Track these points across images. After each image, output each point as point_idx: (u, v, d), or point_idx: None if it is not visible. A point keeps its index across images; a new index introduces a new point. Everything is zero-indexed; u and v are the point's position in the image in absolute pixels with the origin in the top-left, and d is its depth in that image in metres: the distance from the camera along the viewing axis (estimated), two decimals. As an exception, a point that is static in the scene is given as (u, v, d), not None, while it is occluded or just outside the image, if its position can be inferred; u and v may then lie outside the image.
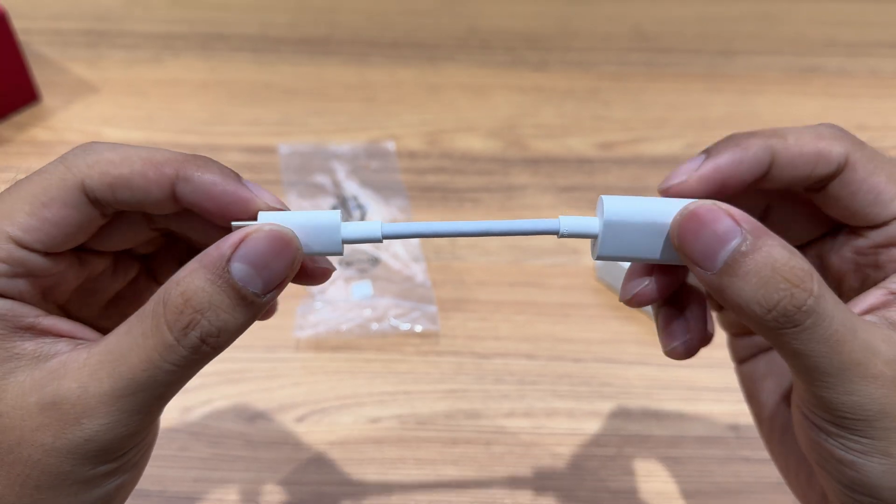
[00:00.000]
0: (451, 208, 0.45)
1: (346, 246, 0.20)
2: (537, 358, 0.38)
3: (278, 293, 0.18)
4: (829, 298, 0.18)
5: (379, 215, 0.44)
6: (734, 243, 0.17)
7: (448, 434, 0.36)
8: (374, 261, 0.42)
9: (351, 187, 0.46)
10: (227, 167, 0.20)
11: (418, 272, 0.41)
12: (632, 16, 0.59)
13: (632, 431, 0.35)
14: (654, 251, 0.19)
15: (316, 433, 0.35)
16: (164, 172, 0.19)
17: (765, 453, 0.35)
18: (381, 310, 0.39)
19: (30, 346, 0.18)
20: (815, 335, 0.18)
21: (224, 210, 0.19)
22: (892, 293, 0.20)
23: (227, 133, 0.49)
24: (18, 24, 0.51)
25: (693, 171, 0.20)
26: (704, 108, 0.52)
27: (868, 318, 0.19)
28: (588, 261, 0.43)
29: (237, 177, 0.20)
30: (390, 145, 0.49)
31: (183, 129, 0.49)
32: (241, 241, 0.17)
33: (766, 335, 0.18)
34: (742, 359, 0.26)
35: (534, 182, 0.47)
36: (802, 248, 0.23)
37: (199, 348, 0.17)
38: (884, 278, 0.20)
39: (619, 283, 0.41)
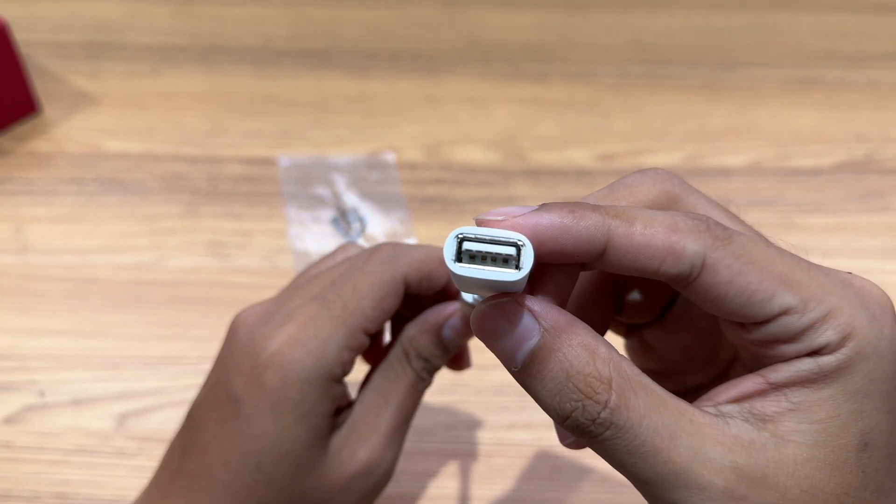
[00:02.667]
0: (451, 220, 0.45)
1: None
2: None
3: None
4: (636, 407, 0.16)
5: (379, 227, 0.44)
6: (531, 343, 0.16)
7: (448, 446, 0.36)
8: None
9: (351, 199, 0.46)
10: None
11: (418, 284, 0.41)
12: (631, 28, 0.59)
13: (633, 444, 0.35)
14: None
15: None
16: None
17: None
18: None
19: (342, 417, 0.25)
20: (618, 447, 0.16)
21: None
22: (770, 384, 0.18)
23: (227, 145, 0.49)
24: (19, 36, 0.51)
25: (513, 217, 0.17)
26: (704, 120, 0.52)
27: (728, 408, 0.18)
28: (588, 272, 0.43)
29: None
30: (390, 157, 0.49)
31: (183, 141, 0.50)
32: (453, 314, 0.25)
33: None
34: None
35: (534, 193, 0.47)
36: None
37: (430, 379, 0.26)
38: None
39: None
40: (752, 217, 0.48)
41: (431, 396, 0.37)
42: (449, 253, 0.16)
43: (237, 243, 0.44)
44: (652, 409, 0.16)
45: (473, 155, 0.49)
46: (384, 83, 0.54)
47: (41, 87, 0.52)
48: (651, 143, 0.50)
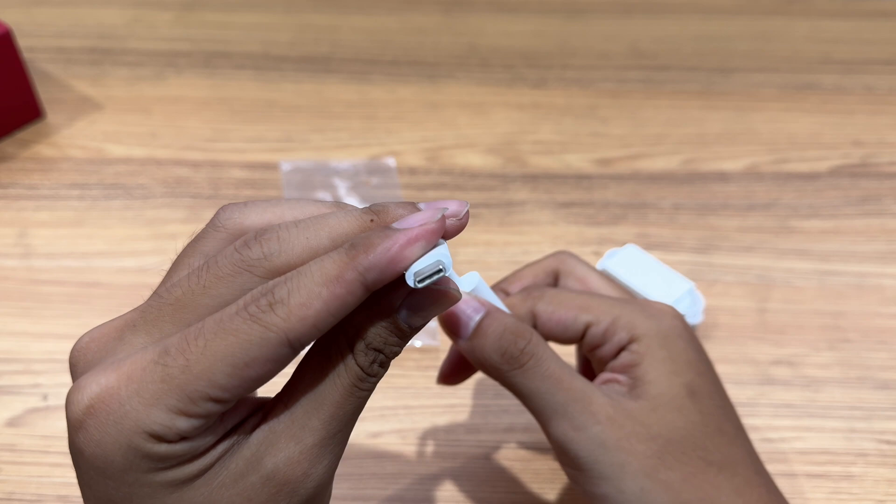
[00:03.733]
0: (451, 224, 0.46)
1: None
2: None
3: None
4: (547, 349, 0.26)
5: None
6: (477, 317, 0.26)
7: (448, 449, 0.36)
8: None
9: (352, 203, 0.46)
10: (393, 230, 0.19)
11: (418, 287, 0.42)
12: (629, 34, 0.60)
13: (632, 446, 0.35)
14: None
15: (316, 448, 0.35)
16: (351, 279, 0.18)
17: (766, 467, 0.35)
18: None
19: (255, 422, 0.19)
20: (537, 373, 0.25)
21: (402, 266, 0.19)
22: (613, 373, 0.27)
23: (229, 150, 0.50)
24: (23, 43, 0.52)
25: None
26: (701, 125, 0.52)
27: (608, 388, 0.27)
28: (587, 276, 0.43)
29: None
30: (391, 161, 0.49)
31: (185, 146, 0.50)
32: (407, 293, 0.20)
33: (504, 382, 0.26)
34: None
35: (533, 198, 0.47)
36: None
37: (380, 372, 0.20)
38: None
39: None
40: (750, 221, 0.49)
41: (431, 399, 0.37)
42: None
43: (239, 247, 0.44)
44: (555, 356, 0.26)
45: (473, 160, 0.50)
46: (385, 89, 0.54)
47: (45, 93, 0.52)
48: (649, 148, 0.51)
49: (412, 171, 0.49)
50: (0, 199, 0.46)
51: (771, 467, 0.35)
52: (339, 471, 0.34)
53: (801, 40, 0.59)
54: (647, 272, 0.39)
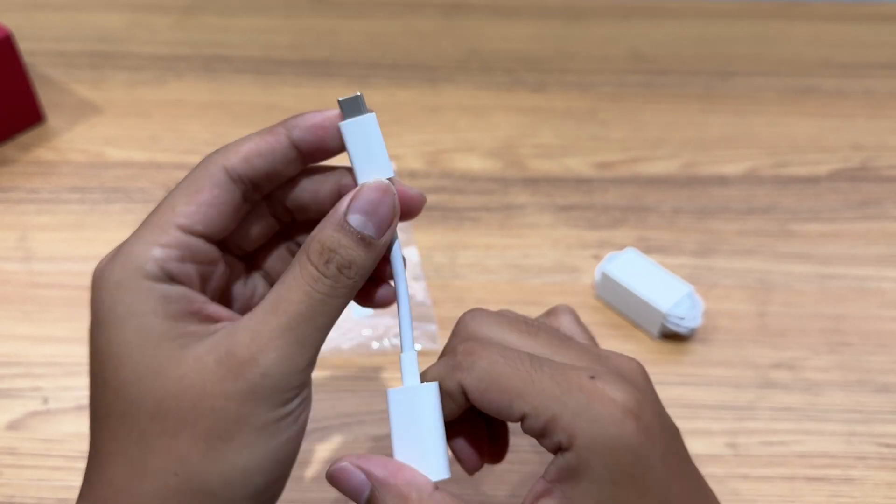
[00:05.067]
0: (451, 227, 0.46)
1: None
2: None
3: (389, 235, 0.23)
4: None
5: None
6: (365, 494, 0.22)
7: (448, 452, 0.36)
8: (375, 279, 0.42)
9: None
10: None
11: (418, 291, 0.42)
12: (629, 38, 0.60)
13: (632, 450, 0.35)
14: None
15: (317, 451, 0.35)
16: (279, 132, 0.23)
17: (764, 471, 0.35)
18: (381, 329, 0.40)
19: (197, 328, 0.22)
20: None
21: (329, 134, 0.24)
22: (549, 482, 0.22)
23: (230, 153, 0.50)
24: (23, 46, 0.52)
25: None
26: (701, 129, 0.53)
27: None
28: (587, 279, 0.43)
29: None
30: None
31: (186, 150, 0.50)
32: (353, 198, 0.22)
33: None
34: None
35: (533, 201, 0.47)
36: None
37: (338, 277, 0.22)
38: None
39: (618, 302, 0.41)
40: (750, 225, 0.49)
41: (432, 402, 0.37)
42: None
43: (239, 251, 0.44)
44: None
45: (473, 163, 0.50)
46: (385, 92, 0.55)
47: (45, 97, 0.52)
48: (648, 151, 0.51)
49: (412, 174, 0.49)
50: (1, 203, 0.47)
51: (770, 471, 0.35)
52: (338, 474, 0.34)
53: (800, 44, 0.59)
54: (647, 276, 0.39)
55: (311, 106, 0.53)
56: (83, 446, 0.36)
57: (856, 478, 0.35)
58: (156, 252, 0.22)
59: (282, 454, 0.22)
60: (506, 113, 0.53)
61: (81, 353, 0.39)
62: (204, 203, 0.22)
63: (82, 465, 0.35)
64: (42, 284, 0.42)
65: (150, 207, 0.47)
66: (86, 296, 0.41)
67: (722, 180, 0.49)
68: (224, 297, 0.25)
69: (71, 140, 0.50)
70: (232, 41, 0.58)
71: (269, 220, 0.25)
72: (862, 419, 0.37)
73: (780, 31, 0.61)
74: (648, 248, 0.45)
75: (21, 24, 0.57)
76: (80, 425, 0.37)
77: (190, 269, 0.22)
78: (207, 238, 0.23)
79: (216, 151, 0.23)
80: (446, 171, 0.49)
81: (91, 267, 0.43)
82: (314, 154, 0.24)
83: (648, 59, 0.58)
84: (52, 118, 0.52)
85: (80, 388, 0.38)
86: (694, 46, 0.59)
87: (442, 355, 0.25)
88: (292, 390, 0.22)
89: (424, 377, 0.24)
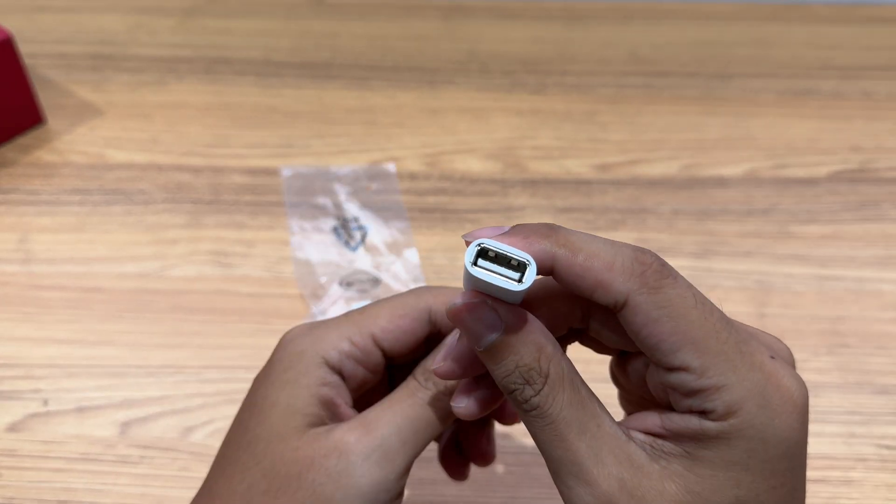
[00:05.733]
0: (451, 229, 0.46)
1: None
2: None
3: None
4: (559, 400, 0.20)
5: (380, 236, 0.45)
6: (492, 336, 0.20)
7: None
8: (375, 281, 0.42)
9: (352, 209, 0.46)
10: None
11: (418, 292, 0.42)
12: (628, 40, 0.60)
13: (631, 451, 0.35)
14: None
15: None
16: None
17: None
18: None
19: (331, 418, 0.25)
20: (538, 425, 0.21)
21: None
22: (666, 430, 0.21)
23: (230, 155, 0.50)
24: (24, 49, 0.52)
25: (490, 237, 0.20)
26: (700, 131, 0.53)
27: (637, 434, 0.21)
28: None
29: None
30: (391, 167, 0.49)
31: (186, 152, 0.50)
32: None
33: None
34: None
35: (532, 203, 0.48)
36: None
37: (432, 390, 0.25)
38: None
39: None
40: (749, 227, 0.49)
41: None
42: (469, 257, 0.20)
43: (240, 253, 0.44)
44: (571, 405, 0.20)
45: (473, 165, 0.50)
46: (385, 94, 0.55)
47: (46, 99, 0.52)
48: (648, 153, 0.51)
49: (412, 176, 0.49)
50: (1, 205, 0.47)
51: (770, 472, 0.36)
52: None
53: (799, 46, 0.60)
54: None
55: (312, 108, 0.54)
56: (83, 448, 0.36)
57: (855, 479, 0.35)
58: (344, 346, 0.25)
59: None
60: (505, 115, 0.53)
61: (81, 354, 0.39)
62: (404, 330, 0.25)
63: (82, 466, 0.35)
64: (42, 286, 0.42)
65: (151, 209, 0.47)
66: (86, 297, 0.42)
67: (721, 182, 0.49)
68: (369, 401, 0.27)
69: (71, 142, 0.51)
70: (233, 43, 0.58)
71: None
72: (861, 421, 0.37)
73: (778, 34, 0.61)
74: (648, 250, 0.45)
75: (22, 27, 0.58)
76: (80, 427, 0.37)
77: (359, 373, 0.25)
78: (388, 356, 0.26)
79: (430, 290, 0.26)
80: (446, 173, 0.49)
81: (91, 269, 0.43)
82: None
83: (648, 62, 0.58)
84: (53, 120, 0.52)
85: (79, 390, 0.38)
86: (693, 49, 0.59)
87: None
88: (387, 492, 0.23)
89: (574, 241, 0.20)
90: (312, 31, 0.60)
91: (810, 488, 0.35)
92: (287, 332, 0.26)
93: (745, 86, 0.56)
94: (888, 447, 0.36)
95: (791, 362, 0.22)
